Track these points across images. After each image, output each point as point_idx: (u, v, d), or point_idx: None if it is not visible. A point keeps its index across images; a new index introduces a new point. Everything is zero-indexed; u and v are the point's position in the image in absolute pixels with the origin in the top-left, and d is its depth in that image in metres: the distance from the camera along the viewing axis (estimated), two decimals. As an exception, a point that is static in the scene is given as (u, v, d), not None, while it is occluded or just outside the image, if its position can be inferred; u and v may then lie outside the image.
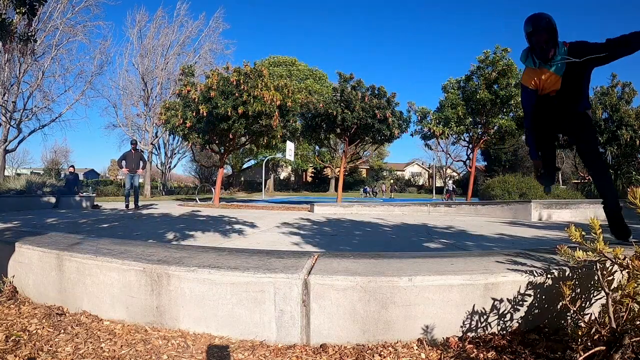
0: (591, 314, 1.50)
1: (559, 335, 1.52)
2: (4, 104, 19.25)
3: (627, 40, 2.20)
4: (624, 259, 1.28)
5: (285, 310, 1.61)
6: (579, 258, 1.34)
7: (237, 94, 11.48)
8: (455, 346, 1.49)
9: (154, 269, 1.77)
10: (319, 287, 1.58)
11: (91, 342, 1.61)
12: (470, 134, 15.04)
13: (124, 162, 9.53)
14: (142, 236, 4.30)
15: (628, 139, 14.19)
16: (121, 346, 1.59)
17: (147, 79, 26.05)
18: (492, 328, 1.57)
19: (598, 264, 1.36)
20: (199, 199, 15.61)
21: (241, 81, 11.61)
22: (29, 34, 4.12)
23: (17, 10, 3.52)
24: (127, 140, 25.19)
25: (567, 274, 1.60)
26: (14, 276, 2.26)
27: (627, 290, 1.27)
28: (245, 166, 45.12)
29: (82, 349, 1.55)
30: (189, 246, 2.71)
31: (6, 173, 22.85)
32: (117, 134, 51.60)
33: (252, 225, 5.60)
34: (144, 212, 8.58)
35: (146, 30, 26.72)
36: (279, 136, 13.12)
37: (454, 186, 26.87)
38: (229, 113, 11.32)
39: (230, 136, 12.49)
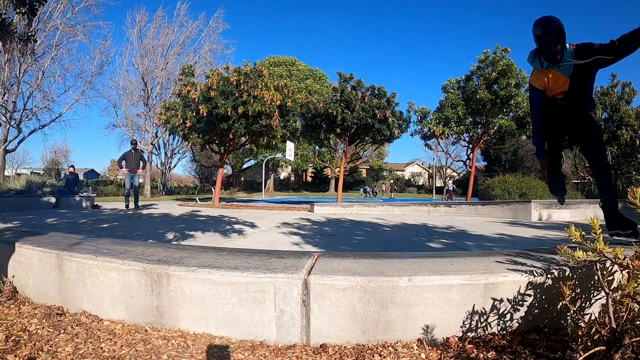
0: (591, 314, 1.50)
1: (559, 335, 1.52)
2: (4, 104, 19.25)
3: (627, 41, 2.25)
4: (624, 259, 1.28)
5: (285, 310, 1.61)
6: (579, 258, 1.34)
7: (237, 94, 11.47)
8: (455, 346, 1.49)
9: (154, 269, 1.77)
10: (319, 287, 1.58)
11: (91, 342, 1.61)
12: (470, 134, 15.03)
13: (124, 162, 9.53)
14: (142, 236, 4.30)
15: (628, 139, 14.19)
16: (121, 346, 1.59)
17: (147, 79, 26.05)
18: (492, 328, 1.57)
19: (598, 264, 1.36)
20: (199, 199, 15.61)
21: (241, 81, 11.60)
22: (29, 34, 4.12)
23: (17, 10, 3.52)
24: (127, 140, 25.21)
25: (567, 274, 1.60)
26: (14, 276, 2.26)
27: (627, 290, 1.28)
28: (245, 166, 45.11)
29: (82, 349, 1.55)
30: (189, 246, 2.71)
31: (6, 173, 22.84)
32: (117, 134, 51.59)
33: (252, 225, 5.60)
34: (144, 212, 8.58)
35: (146, 30, 26.75)
36: (279, 136, 13.12)
37: (454, 186, 26.86)
38: (229, 113, 11.32)
39: (230, 136, 12.49)
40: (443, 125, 14.30)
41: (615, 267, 1.35)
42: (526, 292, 1.58)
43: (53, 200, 9.79)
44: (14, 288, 2.23)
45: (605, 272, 1.37)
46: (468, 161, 18.11)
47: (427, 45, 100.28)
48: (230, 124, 11.62)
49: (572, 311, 1.40)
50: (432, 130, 14.45)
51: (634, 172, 14.54)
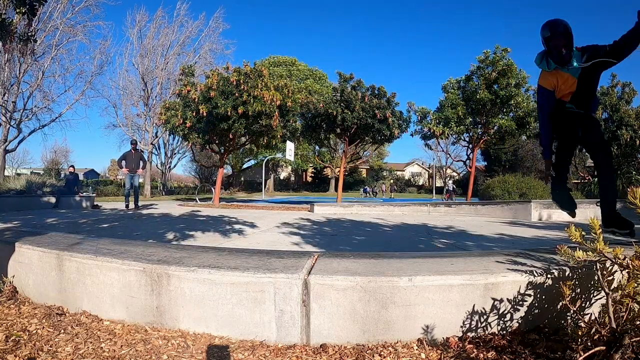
0: (591, 314, 1.50)
1: (559, 335, 1.52)
2: (4, 104, 19.25)
3: (627, 40, 2.31)
4: (624, 259, 1.28)
5: (285, 310, 1.61)
6: (579, 258, 1.34)
7: (237, 94, 11.47)
8: (455, 346, 1.49)
9: (154, 269, 1.77)
10: (319, 287, 1.58)
11: (91, 342, 1.61)
12: (470, 134, 15.03)
13: (124, 162, 9.52)
14: (142, 236, 4.30)
15: (628, 139, 14.18)
16: (121, 346, 1.59)
17: (147, 79, 26.04)
18: (492, 328, 1.57)
19: (598, 264, 1.36)
20: (199, 199, 15.61)
21: (241, 81, 11.60)
22: (29, 34, 4.11)
23: (17, 10, 3.52)
24: (127, 140, 25.21)
25: (567, 274, 1.60)
26: (14, 276, 2.26)
27: (627, 290, 1.28)
28: (245, 166, 45.11)
29: (82, 349, 1.55)
30: (189, 246, 2.71)
31: (6, 173, 22.83)
32: (117, 134, 51.61)
33: (252, 225, 5.60)
34: (144, 212, 8.58)
35: (146, 30, 26.73)
36: (279, 136, 13.12)
37: (454, 186, 26.86)
38: (229, 113, 11.32)
39: (230, 136, 12.48)
40: (443, 125, 14.29)
41: (615, 267, 1.35)
42: (526, 292, 1.58)
43: (53, 200, 9.79)
44: (14, 288, 2.23)
45: (605, 272, 1.37)
46: (468, 161, 18.11)
47: (427, 45, 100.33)
48: (230, 124, 11.62)
49: (572, 311, 1.40)
50: (432, 130, 14.44)
51: (634, 172, 14.54)
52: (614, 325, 1.25)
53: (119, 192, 21.12)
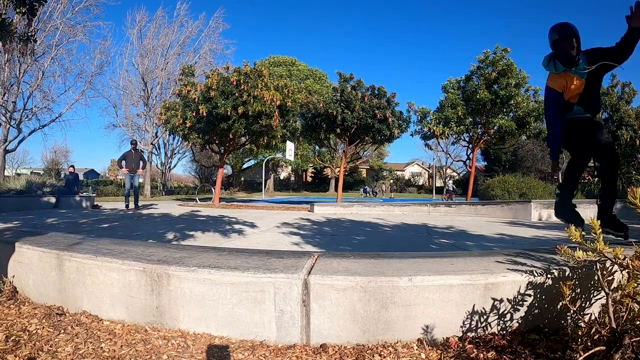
0: (591, 314, 1.50)
1: (559, 335, 1.52)
2: (4, 104, 19.25)
3: (620, 48, 2.41)
4: (624, 259, 1.28)
5: (285, 310, 1.61)
6: (579, 258, 1.34)
7: (237, 94, 11.47)
8: (455, 346, 1.49)
9: (154, 269, 1.77)
10: (319, 287, 1.58)
11: (91, 342, 1.61)
12: (470, 134, 15.02)
13: (124, 162, 9.53)
14: (142, 236, 4.30)
15: (628, 139, 14.17)
16: (121, 346, 1.59)
17: (147, 79, 26.04)
18: (492, 328, 1.57)
19: (598, 264, 1.36)
20: (199, 199, 15.61)
21: (241, 81, 11.60)
22: (29, 34, 4.11)
23: (17, 10, 3.52)
24: (127, 140, 25.21)
25: (567, 274, 1.60)
26: (14, 276, 2.26)
27: (627, 290, 1.28)
28: (245, 166, 45.10)
29: (82, 349, 1.55)
30: (189, 246, 2.71)
31: (6, 173, 22.84)
32: (117, 134, 51.67)
33: (252, 225, 5.60)
34: (144, 212, 8.58)
35: (146, 30, 26.73)
36: (279, 136, 13.11)
37: (454, 186, 26.86)
38: (229, 113, 11.32)
39: (230, 136, 12.48)
40: (443, 125, 14.29)
41: (615, 267, 1.35)
42: (526, 292, 1.58)
43: (53, 200, 9.79)
44: (14, 288, 2.23)
45: (605, 272, 1.37)
46: (468, 161, 18.09)
47: (427, 45, 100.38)
48: (230, 124, 11.62)
49: (572, 311, 1.40)
50: (432, 130, 14.44)
51: (634, 172, 14.52)
52: (614, 325, 1.25)
53: (119, 192, 21.12)
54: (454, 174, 47.66)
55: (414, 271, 1.63)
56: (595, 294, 1.60)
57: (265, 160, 32.06)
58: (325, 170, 48.23)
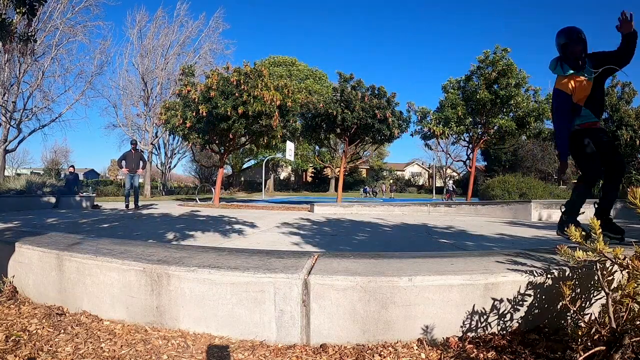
0: (591, 314, 1.50)
1: (559, 335, 1.52)
2: (4, 104, 19.25)
3: (619, 54, 2.50)
4: (624, 259, 1.28)
5: (285, 310, 1.61)
6: (579, 258, 1.34)
7: (237, 94, 11.47)
8: (455, 346, 1.49)
9: (154, 269, 1.77)
10: (319, 287, 1.58)
11: (91, 342, 1.61)
12: (470, 134, 15.02)
13: (124, 162, 9.53)
14: (142, 236, 4.30)
15: (628, 139, 14.19)
16: (121, 346, 1.59)
17: (147, 79, 26.04)
18: (492, 328, 1.57)
19: (598, 264, 1.36)
20: (199, 199, 15.61)
21: (241, 81, 11.60)
22: (29, 34, 4.11)
23: (17, 10, 3.52)
24: (127, 140, 25.21)
25: (567, 274, 1.60)
26: (14, 276, 2.26)
27: (627, 290, 1.27)
28: (245, 166, 45.10)
29: (82, 349, 1.55)
30: (189, 246, 2.71)
31: (6, 173, 22.84)
32: (117, 134, 51.67)
33: (252, 225, 5.60)
34: (144, 212, 8.58)
35: (146, 30, 26.73)
36: (279, 136, 13.11)
37: (454, 186, 26.87)
38: (229, 113, 11.32)
39: (230, 136, 12.48)
40: (443, 125, 14.28)
41: (615, 267, 1.35)
42: (526, 292, 1.58)
43: (53, 200, 9.79)
44: (14, 288, 2.23)
45: (605, 272, 1.37)
46: (468, 161, 18.08)
47: (427, 45, 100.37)
48: (230, 124, 11.62)
49: (572, 311, 1.40)
50: (432, 130, 14.43)
51: (634, 172, 14.54)
52: (614, 325, 1.25)
53: (119, 192, 21.12)
54: (454, 174, 47.66)
55: (414, 271, 1.63)
56: (595, 294, 1.60)
57: (265, 160, 32.06)
58: (325, 170, 48.24)
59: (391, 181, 48.96)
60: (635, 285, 1.25)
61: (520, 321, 1.59)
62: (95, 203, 11.18)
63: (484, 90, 13.58)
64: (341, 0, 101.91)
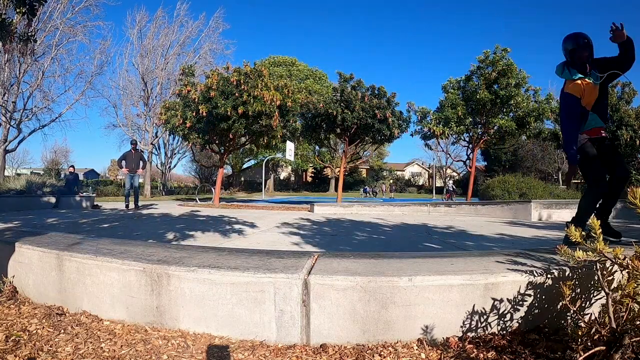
0: (591, 314, 1.50)
1: (559, 335, 1.52)
2: (4, 104, 19.25)
3: (620, 60, 2.56)
4: (624, 259, 1.28)
5: (285, 310, 1.61)
6: (579, 258, 1.34)
7: (237, 94, 11.47)
8: (455, 346, 1.49)
9: (154, 269, 1.77)
10: (319, 287, 1.58)
11: (91, 342, 1.61)
12: (470, 134, 15.02)
13: (124, 162, 9.52)
14: (142, 236, 4.30)
15: (628, 139, 14.19)
16: (121, 346, 1.59)
17: (147, 79, 26.04)
18: (492, 328, 1.57)
19: (598, 264, 1.36)
20: (199, 199, 15.61)
21: (241, 81, 11.60)
22: (29, 34, 4.11)
23: (17, 10, 3.52)
24: (127, 140, 25.22)
25: (567, 274, 1.60)
26: (14, 276, 2.26)
27: (627, 290, 1.27)
28: (245, 166, 45.10)
29: (82, 349, 1.55)
30: (189, 246, 2.71)
31: (6, 173, 22.84)
32: (117, 134, 51.67)
33: (252, 225, 5.60)
34: (144, 212, 8.58)
35: (146, 30, 26.72)
36: (279, 136, 13.11)
37: (454, 186, 26.86)
38: (229, 113, 11.32)
39: (230, 136, 12.48)
40: (443, 125, 14.28)
41: (615, 267, 1.35)
42: (526, 292, 1.58)
43: (53, 200, 9.79)
44: (14, 288, 2.23)
45: (605, 272, 1.37)
46: (468, 161, 18.08)
47: (427, 45, 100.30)
48: (230, 124, 11.62)
49: (572, 311, 1.40)
50: (432, 130, 14.43)
51: (634, 172, 14.54)
52: (614, 325, 1.25)
53: (119, 192, 21.12)
54: (454, 174, 47.67)
55: (414, 271, 1.63)
56: (595, 294, 1.60)
57: (265, 160, 32.06)
58: (325, 170, 48.23)
59: (391, 181, 48.96)
60: (635, 285, 1.25)
61: (520, 321, 1.58)
62: (95, 203, 11.18)
63: (484, 90, 13.58)
64: (341, 0, 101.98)
